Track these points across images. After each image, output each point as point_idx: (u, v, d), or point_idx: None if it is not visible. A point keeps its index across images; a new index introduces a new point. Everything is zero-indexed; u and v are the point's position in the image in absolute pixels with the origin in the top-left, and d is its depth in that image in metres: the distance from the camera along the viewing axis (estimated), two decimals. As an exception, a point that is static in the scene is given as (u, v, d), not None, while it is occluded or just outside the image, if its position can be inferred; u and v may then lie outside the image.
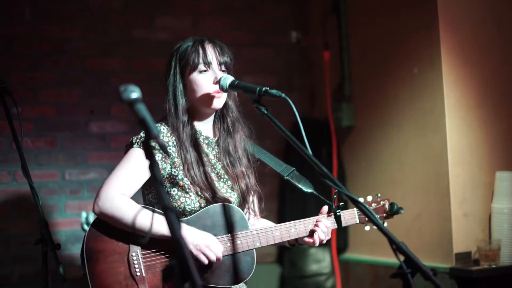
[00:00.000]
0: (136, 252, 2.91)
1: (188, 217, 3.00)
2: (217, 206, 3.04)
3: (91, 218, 5.11)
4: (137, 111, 2.18)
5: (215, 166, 3.17)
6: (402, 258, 2.45)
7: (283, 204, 5.80)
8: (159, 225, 2.85)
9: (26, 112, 5.04)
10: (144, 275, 2.88)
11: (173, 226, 2.02)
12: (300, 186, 3.29)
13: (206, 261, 2.89)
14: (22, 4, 5.20)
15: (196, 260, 2.88)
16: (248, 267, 3.04)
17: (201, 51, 3.12)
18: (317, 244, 3.17)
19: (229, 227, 3.04)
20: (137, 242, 2.91)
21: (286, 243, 3.25)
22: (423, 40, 4.77)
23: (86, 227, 5.10)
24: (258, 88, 2.93)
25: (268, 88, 2.92)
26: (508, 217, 4.53)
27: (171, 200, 3.02)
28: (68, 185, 5.20)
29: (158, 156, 2.98)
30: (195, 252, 2.87)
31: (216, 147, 3.22)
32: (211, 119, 3.24)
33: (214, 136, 3.25)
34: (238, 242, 3.01)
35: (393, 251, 2.49)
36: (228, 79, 3.07)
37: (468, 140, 4.64)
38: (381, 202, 3.39)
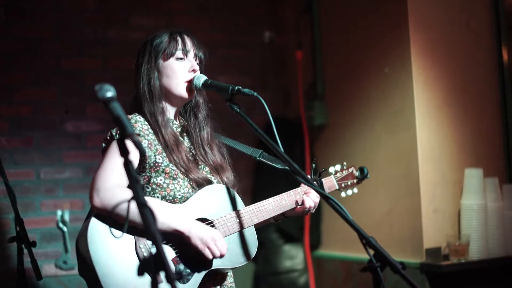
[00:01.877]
0: (143, 243, 2.84)
1: (183, 204, 2.98)
2: (209, 188, 3.06)
3: (67, 216, 5.14)
4: (112, 109, 2.22)
5: (190, 154, 3.19)
6: (372, 252, 2.52)
7: (257, 185, 5.85)
8: (165, 216, 2.85)
9: (1, 111, 5.05)
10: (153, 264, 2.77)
11: (149, 222, 2.07)
12: (273, 164, 3.35)
13: (210, 256, 2.88)
14: (-4, 4, 5.22)
15: (201, 254, 2.89)
16: (252, 243, 3.10)
17: (179, 40, 3.15)
18: (307, 209, 3.25)
19: (226, 207, 3.07)
20: (141, 233, 2.85)
21: (272, 219, 3.30)
22: (394, 40, 4.84)
23: (62, 225, 5.12)
24: (230, 87, 2.99)
25: (240, 87, 2.98)
26: (476, 213, 4.62)
27: (160, 189, 2.98)
28: (43, 183, 5.20)
29: (144, 143, 2.98)
30: (200, 246, 2.86)
31: (186, 137, 3.24)
32: (179, 111, 3.26)
33: (184, 127, 3.27)
34: (236, 221, 3.05)
35: (363, 245, 2.56)
36: (201, 78, 3.11)
37: (438, 138, 4.72)
38: (349, 169, 3.50)
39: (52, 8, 5.38)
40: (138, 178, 2.90)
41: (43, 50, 5.32)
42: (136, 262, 2.82)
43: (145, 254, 2.83)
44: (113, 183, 2.85)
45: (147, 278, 2.78)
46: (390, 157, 4.91)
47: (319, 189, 2.86)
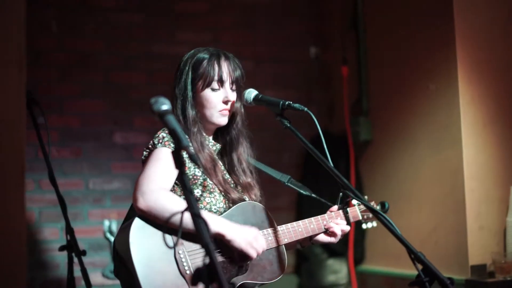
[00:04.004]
0: (182, 250, 2.86)
1: (221, 216, 3.01)
2: (244, 204, 3.09)
3: (114, 226, 5.21)
4: (167, 122, 2.27)
5: (225, 172, 3.22)
6: (420, 267, 2.53)
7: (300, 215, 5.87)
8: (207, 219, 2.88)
9: (51, 122, 5.13)
10: (193, 273, 2.77)
11: (203, 232, 2.10)
12: (300, 190, 3.40)
13: (255, 255, 2.93)
14: (49, 18, 5.33)
15: (245, 256, 2.92)
16: (282, 261, 3.12)
17: (216, 68, 3.12)
18: (336, 240, 3.29)
19: (261, 224, 3.10)
20: (182, 239, 2.87)
21: (299, 245, 3.34)
22: (441, 58, 4.83)
23: (109, 235, 5.20)
24: (281, 102, 3.03)
25: (291, 102, 3.02)
26: (522, 231, 4.59)
27: (198, 202, 3.00)
28: (91, 193, 5.29)
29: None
30: (244, 247, 2.90)
31: (219, 156, 3.27)
32: (213, 130, 3.27)
33: (216, 144, 3.27)
34: (270, 238, 3.08)
35: (412, 260, 2.58)
36: (252, 93, 3.14)
37: (484, 156, 4.69)
38: (371, 203, 3.49)
39: (101, 22, 5.48)
40: (192, 189, 2.96)
41: (92, 63, 5.42)
42: (174, 267, 2.83)
43: (183, 260, 2.85)
44: (157, 186, 2.87)
45: (184, 283, 2.81)
46: (435, 174, 4.89)
47: (368, 204, 2.89)
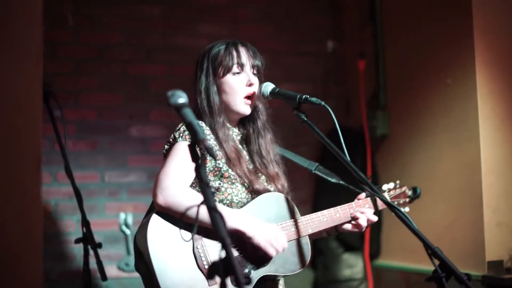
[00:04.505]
0: (201, 244, 2.87)
1: (241, 209, 3.01)
2: (267, 196, 3.08)
3: (130, 219, 5.22)
4: (184, 115, 2.27)
5: (249, 162, 3.21)
6: (437, 263, 2.52)
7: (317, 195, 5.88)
8: (227, 217, 2.88)
9: (68, 115, 5.14)
10: (211, 267, 2.69)
11: (218, 226, 2.10)
12: (328, 178, 3.38)
13: (274, 254, 2.93)
14: (66, 11, 5.33)
15: (261, 252, 2.91)
16: (306, 252, 3.11)
17: (234, 53, 3.15)
18: (363, 227, 3.24)
19: (282, 215, 3.09)
20: (200, 234, 2.89)
21: (325, 233, 3.33)
22: (458, 51, 4.80)
23: (125, 228, 5.21)
24: (298, 96, 3.02)
25: (308, 96, 3.01)
26: (540, 227, 4.56)
27: (218, 193, 3.01)
28: (107, 186, 5.31)
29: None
30: (264, 245, 2.90)
31: (245, 144, 3.26)
32: (238, 119, 3.28)
33: (240, 134, 3.28)
34: (293, 229, 3.07)
35: (429, 255, 2.56)
36: (269, 86, 3.15)
37: (502, 150, 4.66)
38: (402, 188, 3.47)
39: (119, 14, 5.49)
40: (209, 182, 2.95)
41: (110, 56, 5.43)
42: (192, 262, 2.85)
43: (202, 254, 2.86)
44: (176, 183, 2.88)
45: (202, 278, 2.83)
46: (452, 169, 4.86)
47: (385, 198, 2.88)
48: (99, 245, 3.59)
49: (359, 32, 6.00)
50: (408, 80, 5.45)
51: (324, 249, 5.67)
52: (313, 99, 2.99)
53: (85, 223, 3.59)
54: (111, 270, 5.14)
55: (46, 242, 5.04)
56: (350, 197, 3.34)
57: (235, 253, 2.94)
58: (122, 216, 5.24)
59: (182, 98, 2.28)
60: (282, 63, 5.88)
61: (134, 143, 5.40)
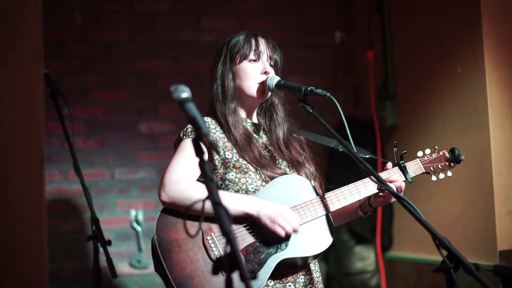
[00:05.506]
0: (211, 235, 2.87)
1: (256, 194, 3.00)
2: (282, 179, 3.05)
3: (140, 216, 5.22)
4: (187, 110, 2.26)
5: (267, 150, 3.20)
6: (445, 253, 2.50)
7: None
8: (235, 202, 2.88)
9: (76, 113, 5.16)
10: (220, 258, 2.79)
11: (223, 220, 2.09)
12: (356, 154, 3.33)
13: (283, 233, 2.85)
14: (73, 8, 5.33)
15: (273, 234, 2.87)
16: (327, 232, 3.03)
17: (253, 42, 3.20)
18: (392, 200, 3.13)
19: (301, 195, 3.05)
20: (210, 225, 2.88)
21: (359, 211, 3.26)
22: (467, 39, 4.77)
23: (135, 225, 5.21)
24: (303, 88, 3.01)
25: (313, 88, 2.99)
26: (552, 215, 4.53)
27: (233, 184, 3.01)
28: (117, 184, 5.31)
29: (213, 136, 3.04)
30: (270, 225, 2.85)
31: (263, 135, 3.26)
32: (255, 110, 3.30)
33: (259, 125, 3.29)
34: (312, 209, 3.01)
35: (436, 246, 2.54)
36: (274, 79, 3.14)
37: (512, 139, 4.64)
38: (440, 152, 3.39)
39: (125, 11, 5.48)
40: (213, 177, 2.95)
41: (117, 53, 5.42)
42: (203, 254, 2.85)
43: (212, 246, 2.86)
44: (177, 177, 2.91)
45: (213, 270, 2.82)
46: (462, 158, 4.84)
47: (392, 189, 2.85)
48: (109, 243, 3.58)
49: (367, 22, 5.97)
50: (417, 69, 5.43)
51: (336, 242, 5.64)
52: (319, 90, 2.97)
53: (94, 220, 3.57)
54: (122, 267, 5.15)
55: (58, 241, 5.08)
56: (362, 176, 3.27)
57: (252, 239, 2.92)
58: (133, 213, 5.24)
59: (185, 93, 2.28)
60: (289, 56, 5.80)
61: (143, 139, 5.40)
